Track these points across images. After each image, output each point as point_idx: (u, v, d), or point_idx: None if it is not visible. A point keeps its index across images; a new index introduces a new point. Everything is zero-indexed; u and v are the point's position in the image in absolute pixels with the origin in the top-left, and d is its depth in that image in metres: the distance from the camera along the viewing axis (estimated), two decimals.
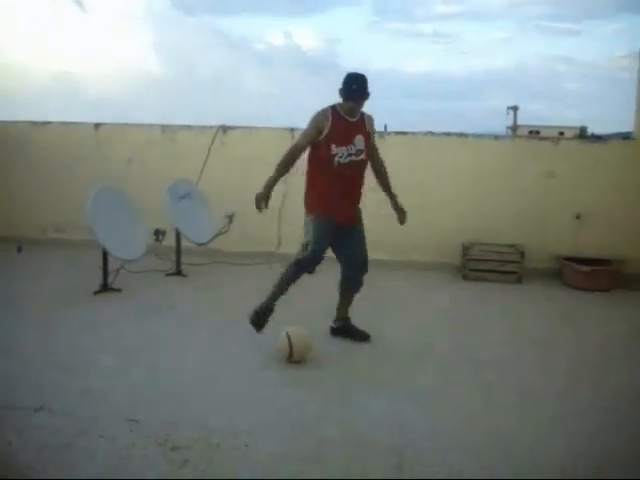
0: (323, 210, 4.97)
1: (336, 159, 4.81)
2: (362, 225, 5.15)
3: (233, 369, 4.53)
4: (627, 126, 8.39)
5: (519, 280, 7.62)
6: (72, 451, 3.25)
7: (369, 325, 5.33)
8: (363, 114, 4.93)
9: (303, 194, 5.15)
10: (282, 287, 5.08)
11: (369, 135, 4.95)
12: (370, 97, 4.85)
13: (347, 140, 4.81)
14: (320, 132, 4.81)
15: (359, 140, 4.85)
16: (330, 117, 4.80)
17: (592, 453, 3.43)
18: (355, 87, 4.77)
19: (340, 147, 4.79)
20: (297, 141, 4.96)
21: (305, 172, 5.10)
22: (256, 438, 3.45)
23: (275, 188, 8.22)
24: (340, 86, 4.82)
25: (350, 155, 4.82)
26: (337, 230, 4.99)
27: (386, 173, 5.15)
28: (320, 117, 4.83)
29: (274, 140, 8.46)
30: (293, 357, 4.65)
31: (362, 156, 4.88)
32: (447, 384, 4.37)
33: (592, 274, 7.39)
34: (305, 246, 5.01)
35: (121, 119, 9.56)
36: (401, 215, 5.18)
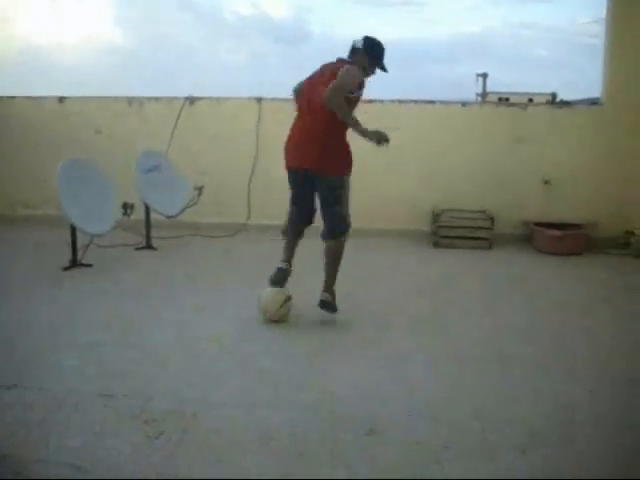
0: (351, 167, 4.95)
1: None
2: None
3: (207, 341, 4.52)
4: (595, 92, 8.44)
5: (490, 246, 7.68)
6: (46, 427, 3.24)
7: (341, 294, 5.35)
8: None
9: (323, 156, 4.79)
10: (338, 265, 5.02)
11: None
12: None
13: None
14: (352, 90, 4.72)
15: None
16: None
17: (565, 417, 3.48)
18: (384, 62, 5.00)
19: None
20: (339, 93, 4.58)
21: (323, 132, 4.77)
22: (230, 408, 3.47)
23: (245, 159, 8.23)
24: (366, 47, 4.90)
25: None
26: None
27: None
28: (359, 75, 4.81)
29: (241, 110, 8.44)
30: (270, 315, 4.87)
31: None
32: (419, 351, 4.39)
33: (562, 238, 7.47)
34: (345, 217, 4.92)
35: (90, 92, 9.43)
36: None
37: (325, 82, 4.66)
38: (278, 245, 6.22)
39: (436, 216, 7.83)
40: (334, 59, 4.96)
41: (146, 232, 7.41)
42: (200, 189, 7.46)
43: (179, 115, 8.40)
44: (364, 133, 4.68)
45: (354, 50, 4.93)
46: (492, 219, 7.72)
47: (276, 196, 8.25)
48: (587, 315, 5.29)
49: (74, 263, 6.43)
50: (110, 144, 8.46)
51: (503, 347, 4.50)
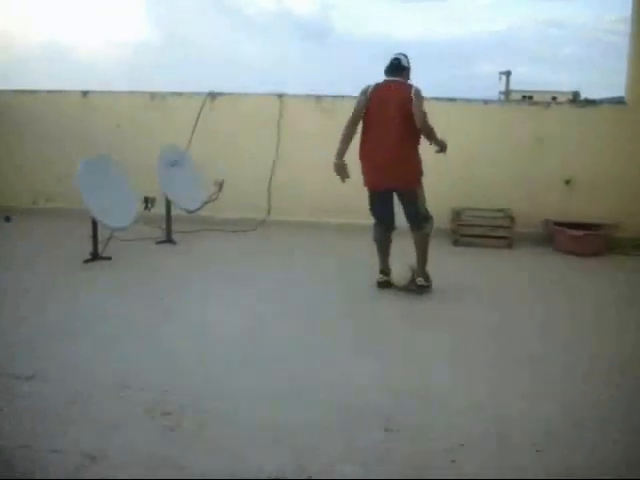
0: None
1: None
2: None
3: (223, 335, 4.54)
4: (620, 90, 8.35)
5: (510, 245, 7.64)
6: (63, 418, 3.27)
7: (361, 291, 5.37)
8: None
9: (407, 167, 5.45)
10: (427, 252, 5.61)
11: None
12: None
13: None
14: None
15: None
16: None
17: (582, 418, 3.46)
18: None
19: None
20: (426, 116, 5.34)
21: (405, 144, 5.37)
22: (245, 402, 3.48)
23: (265, 154, 8.26)
24: (409, 65, 5.57)
25: None
26: None
27: None
28: None
29: (263, 106, 8.45)
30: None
31: None
32: (436, 348, 4.39)
33: (583, 239, 7.40)
34: (426, 211, 5.57)
35: (111, 87, 9.49)
36: None
37: (398, 104, 5.28)
38: (294, 240, 6.25)
39: (456, 214, 7.80)
40: (374, 68, 5.71)
41: (167, 226, 7.44)
42: (220, 184, 7.48)
43: (201, 110, 8.43)
44: (442, 145, 5.47)
45: (401, 68, 5.50)
46: (512, 218, 7.68)
47: (296, 192, 8.32)
48: (607, 316, 5.26)
49: (95, 256, 6.47)
50: (132, 138, 8.51)
51: (521, 346, 4.48)
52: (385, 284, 5.67)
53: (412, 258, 5.65)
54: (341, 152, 5.44)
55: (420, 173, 5.48)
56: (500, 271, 6.64)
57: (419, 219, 5.51)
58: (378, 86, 5.45)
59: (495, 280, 6.27)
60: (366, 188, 5.56)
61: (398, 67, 5.49)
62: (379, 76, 5.48)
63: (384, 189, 5.48)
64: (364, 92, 5.43)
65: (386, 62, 5.53)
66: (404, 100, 5.26)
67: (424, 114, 5.26)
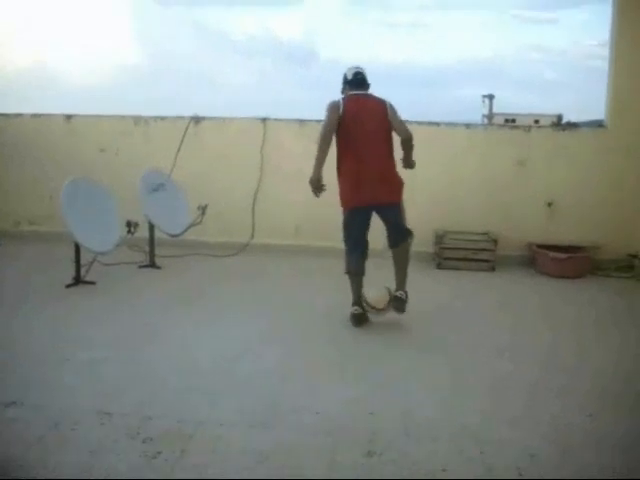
0: None
1: None
2: None
3: (206, 360, 4.53)
4: (600, 114, 8.46)
5: (493, 268, 7.67)
6: (44, 445, 3.24)
7: (344, 315, 5.37)
8: None
9: (392, 180, 5.38)
10: (408, 266, 5.52)
11: None
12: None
13: None
14: None
15: None
16: None
17: (563, 439, 3.47)
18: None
19: None
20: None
21: (388, 158, 5.37)
22: (228, 428, 3.46)
23: (249, 178, 8.29)
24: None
25: None
26: None
27: None
28: None
29: (246, 130, 8.49)
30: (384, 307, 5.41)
31: None
32: (417, 371, 4.39)
33: (565, 261, 7.46)
34: (410, 230, 5.49)
35: (96, 110, 9.48)
36: None
37: (376, 118, 5.28)
38: (278, 264, 6.22)
39: (439, 238, 7.83)
40: (357, 90, 5.43)
41: (150, 250, 7.43)
42: (204, 208, 7.48)
43: (184, 135, 8.44)
44: (412, 163, 5.58)
45: (366, 81, 5.49)
46: (495, 241, 7.72)
47: (280, 216, 8.34)
48: (588, 338, 5.28)
49: (77, 280, 6.45)
50: (115, 162, 8.51)
51: (502, 368, 4.49)
52: (362, 317, 5.37)
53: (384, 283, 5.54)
54: (320, 166, 5.19)
55: (402, 184, 5.43)
56: (483, 295, 6.66)
57: (404, 232, 5.41)
58: (349, 100, 5.32)
59: (478, 304, 6.29)
60: (343, 208, 5.36)
61: (364, 81, 5.46)
62: None
63: (367, 205, 5.28)
64: (336, 106, 5.23)
65: (343, 76, 5.50)
66: (383, 114, 5.28)
67: (406, 127, 5.36)
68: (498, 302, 6.38)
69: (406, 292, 5.42)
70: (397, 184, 5.38)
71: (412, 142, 5.41)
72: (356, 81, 5.42)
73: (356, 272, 5.44)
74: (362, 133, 5.20)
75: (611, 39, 8.10)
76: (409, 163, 5.52)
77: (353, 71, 5.44)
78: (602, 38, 8.20)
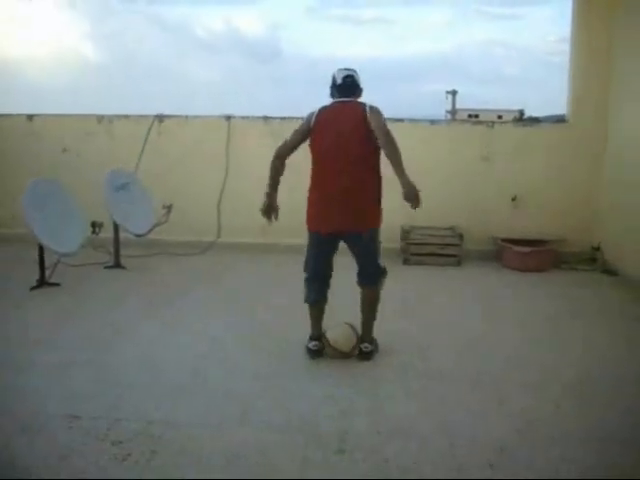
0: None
1: None
2: None
3: (174, 361, 4.51)
4: (562, 109, 8.57)
5: (459, 263, 7.73)
6: (11, 449, 3.20)
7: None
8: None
9: (362, 203, 4.47)
10: (377, 310, 4.71)
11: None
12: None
13: None
14: None
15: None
16: None
17: (533, 433, 3.51)
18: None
19: None
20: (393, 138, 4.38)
21: (362, 175, 4.44)
22: (198, 428, 3.45)
23: (214, 176, 8.23)
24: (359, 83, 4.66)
25: None
26: None
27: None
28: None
29: (211, 128, 8.45)
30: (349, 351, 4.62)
31: None
32: (387, 368, 4.41)
33: (529, 255, 7.54)
34: (384, 268, 4.63)
35: (59, 109, 9.37)
36: None
37: (349, 126, 4.40)
38: (244, 262, 6.17)
39: (405, 233, 7.87)
40: (328, 96, 4.67)
41: (115, 251, 7.35)
42: (169, 207, 7.42)
43: (148, 133, 8.38)
44: (410, 186, 4.25)
45: (356, 86, 4.60)
46: (461, 236, 7.78)
47: (245, 213, 8.29)
48: (554, 331, 5.35)
49: (42, 282, 6.37)
50: (79, 162, 8.42)
51: (471, 364, 4.53)
52: (318, 353, 4.63)
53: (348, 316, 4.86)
54: (270, 188, 4.67)
55: (380, 212, 4.56)
56: (449, 290, 6.70)
57: (374, 272, 4.57)
58: (324, 110, 4.53)
59: (445, 299, 6.32)
60: (307, 229, 4.62)
61: (352, 85, 4.58)
62: (325, 95, 4.72)
63: (329, 233, 4.47)
64: (307, 119, 4.53)
65: (331, 81, 4.61)
66: (358, 120, 4.35)
67: (386, 129, 4.29)
68: (464, 297, 6.43)
69: (374, 342, 4.71)
70: (369, 209, 4.48)
71: (396, 151, 4.30)
72: (344, 86, 4.56)
73: (315, 302, 4.70)
74: (331, 146, 4.40)
75: (571, 35, 8.21)
76: (404, 183, 4.22)
77: (343, 74, 4.57)
78: (562, 34, 8.31)
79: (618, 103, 7.64)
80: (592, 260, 7.85)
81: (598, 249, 7.82)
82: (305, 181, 4.56)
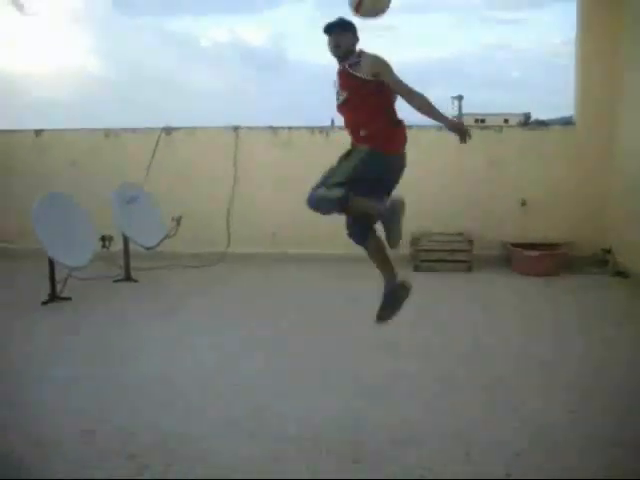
0: None
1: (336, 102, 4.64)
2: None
3: (188, 373, 4.50)
4: (569, 110, 8.57)
5: (469, 269, 7.71)
6: (25, 465, 3.20)
7: (324, 321, 5.35)
8: (360, 56, 4.53)
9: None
10: None
11: (350, 76, 4.47)
12: (349, 30, 4.54)
13: (336, 84, 4.66)
14: None
15: (339, 82, 4.59)
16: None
17: (549, 438, 3.49)
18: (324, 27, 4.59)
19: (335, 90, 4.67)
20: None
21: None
22: (213, 440, 3.44)
23: (223, 187, 8.23)
24: (352, 28, 4.59)
25: (337, 99, 4.63)
26: None
27: (414, 102, 4.41)
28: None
29: (218, 139, 8.47)
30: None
31: (343, 96, 4.54)
32: (401, 376, 4.39)
33: (539, 259, 7.52)
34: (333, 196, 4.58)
35: (66, 123, 9.42)
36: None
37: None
38: (255, 272, 6.15)
39: (415, 240, 7.86)
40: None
41: (125, 264, 7.37)
42: (178, 220, 7.44)
43: (156, 146, 8.40)
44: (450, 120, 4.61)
45: (345, 33, 4.55)
46: (471, 241, 7.76)
47: (255, 224, 8.32)
48: (564, 336, 5.32)
49: (53, 297, 6.37)
50: (88, 176, 8.44)
51: (484, 369, 4.51)
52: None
53: None
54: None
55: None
56: (460, 296, 6.69)
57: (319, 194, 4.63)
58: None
59: (456, 305, 6.32)
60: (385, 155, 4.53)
61: (340, 30, 4.56)
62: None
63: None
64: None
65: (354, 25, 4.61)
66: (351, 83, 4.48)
67: (396, 83, 4.40)
68: (476, 302, 6.41)
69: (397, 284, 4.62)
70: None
71: (418, 98, 4.39)
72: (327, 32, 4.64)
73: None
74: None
75: (577, 37, 8.21)
76: (448, 124, 4.52)
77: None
78: (567, 36, 8.32)
79: (627, 103, 7.62)
80: (603, 263, 7.82)
81: (609, 251, 7.79)
82: None
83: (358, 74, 4.47)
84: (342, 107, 4.63)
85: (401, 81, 4.43)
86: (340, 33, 4.55)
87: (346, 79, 4.55)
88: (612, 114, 7.90)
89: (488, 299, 6.54)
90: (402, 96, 4.46)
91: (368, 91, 4.47)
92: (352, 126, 4.64)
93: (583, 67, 8.14)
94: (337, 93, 4.66)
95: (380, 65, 4.47)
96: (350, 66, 4.51)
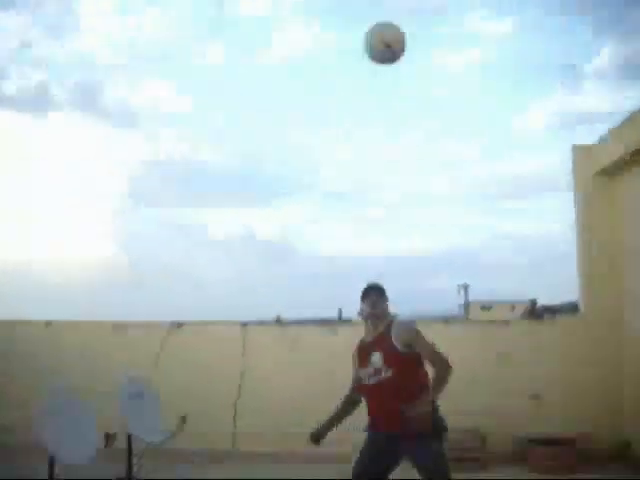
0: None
1: (363, 382, 4.36)
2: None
3: None
4: (575, 294, 8.67)
5: (483, 467, 7.46)
6: None
7: None
8: (391, 323, 4.37)
9: None
10: None
11: (392, 348, 4.23)
12: (383, 304, 4.46)
13: (365, 362, 4.34)
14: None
15: (376, 358, 4.25)
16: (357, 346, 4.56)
17: None
18: (361, 300, 4.50)
19: (362, 369, 4.37)
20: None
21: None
22: None
23: (229, 387, 8.10)
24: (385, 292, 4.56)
25: (373, 376, 4.26)
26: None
27: (439, 376, 4.21)
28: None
29: (227, 335, 8.51)
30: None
31: (387, 374, 4.19)
32: None
33: (555, 455, 7.30)
34: None
35: (76, 313, 9.53)
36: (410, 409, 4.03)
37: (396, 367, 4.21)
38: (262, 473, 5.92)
39: None
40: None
41: (128, 462, 7.12)
42: (184, 418, 7.29)
43: (163, 341, 8.43)
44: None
45: (383, 297, 4.51)
46: (483, 438, 7.56)
47: (263, 422, 8.17)
48: None
49: None
50: (93, 369, 8.40)
51: None
52: None
53: None
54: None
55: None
56: None
57: None
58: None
59: None
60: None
61: (380, 295, 4.51)
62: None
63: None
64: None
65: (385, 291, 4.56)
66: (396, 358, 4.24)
67: (432, 352, 4.32)
68: None
69: None
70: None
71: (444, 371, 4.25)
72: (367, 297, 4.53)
73: None
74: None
75: (577, 224, 8.48)
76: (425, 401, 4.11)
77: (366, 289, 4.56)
78: (567, 223, 8.60)
79: (632, 287, 7.71)
80: (623, 458, 7.56)
81: (629, 446, 7.56)
82: None
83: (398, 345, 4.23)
84: (376, 387, 4.26)
85: (437, 351, 4.29)
86: (379, 295, 4.46)
87: (386, 351, 4.24)
88: (619, 297, 8.01)
89: None
90: (434, 366, 4.21)
91: (409, 361, 4.26)
92: (389, 408, 4.19)
93: (583, 255, 8.38)
94: (370, 370, 4.29)
95: (413, 333, 4.32)
96: (385, 335, 4.29)
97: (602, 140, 7.94)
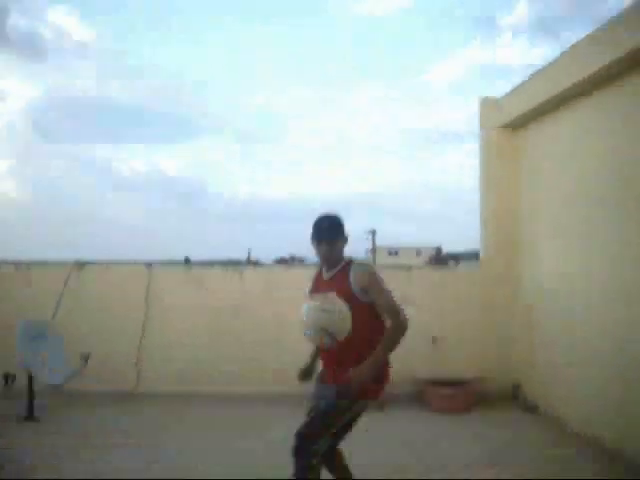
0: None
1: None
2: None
3: None
4: (477, 243, 8.93)
5: (381, 407, 7.68)
6: None
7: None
8: (349, 264, 4.01)
9: None
10: None
11: (347, 290, 3.88)
12: (343, 239, 4.06)
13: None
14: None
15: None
16: (316, 274, 4.22)
17: None
18: (313, 229, 4.04)
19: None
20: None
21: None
22: None
23: (133, 327, 8.06)
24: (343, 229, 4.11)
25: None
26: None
27: (388, 335, 3.92)
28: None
29: (132, 276, 8.41)
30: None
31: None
32: None
33: (451, 397, 7.59)
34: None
35: None
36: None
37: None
38: (168, 412, 5.98)
39: None
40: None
41: (28, 402, 7.05)
42: (86, 357, 7.24)
43: (67, 281, 8.27)
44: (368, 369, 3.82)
45: (339, 235, 4.06)
46: None
47: (165, 363, 8.16)
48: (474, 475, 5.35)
49: None
50: None
51: None
52: None
53: None
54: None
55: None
56: (370, 434, 6.64)
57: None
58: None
59: (365, 444, 6.25)
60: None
61: (335, 233, 4.04)
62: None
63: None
64: None
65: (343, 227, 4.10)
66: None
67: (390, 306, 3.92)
68: (385, 443, 6.38)
69: None
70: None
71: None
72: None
73: None
74: None
75: (480, 176, 8.69)
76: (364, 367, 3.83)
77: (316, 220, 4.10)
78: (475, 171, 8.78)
79: (532, 240, 7.97)
80: (514, 398, 7.97)
81: (519, 387, 7.95)
82: None
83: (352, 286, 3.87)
84: None
85: (392, 302, 3.88)
86: (332, 241, 3.99)
87: (343, 292, 3.86)
88: (518, 249, 8.29)
89: (400, 439, 6.51)
90: (389, 319, 3.88)
91: (362, 311, 3.88)
92: (336, 355, 3.93)
93: (486, 207, 8.61)
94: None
95: (367, 275, 3.92)
96: (344, 275, 3.93)
97: (509, 94, 8.09)
